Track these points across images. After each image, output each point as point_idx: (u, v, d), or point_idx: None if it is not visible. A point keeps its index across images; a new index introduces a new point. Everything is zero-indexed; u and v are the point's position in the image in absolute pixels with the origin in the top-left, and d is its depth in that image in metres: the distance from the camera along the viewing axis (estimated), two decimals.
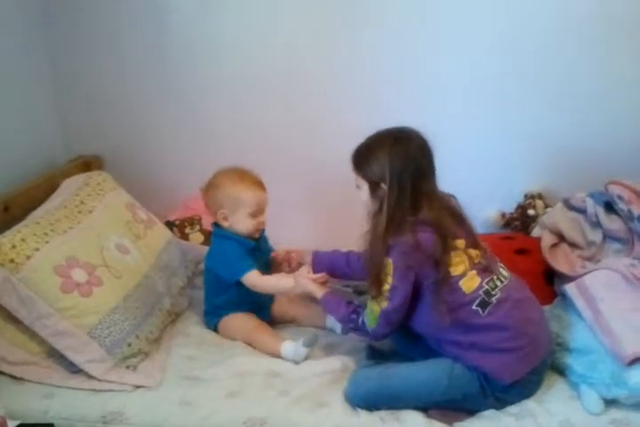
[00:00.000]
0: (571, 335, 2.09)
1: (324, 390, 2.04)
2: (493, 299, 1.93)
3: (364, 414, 1.95)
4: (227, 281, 2.32)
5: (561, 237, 2.61)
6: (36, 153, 2.84)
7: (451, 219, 1.98)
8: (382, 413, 1.96)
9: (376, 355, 2.18)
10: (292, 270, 2.39)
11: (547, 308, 2.23)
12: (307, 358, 2.20)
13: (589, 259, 2.51)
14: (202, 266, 2.56)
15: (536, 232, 2.67)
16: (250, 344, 2.30)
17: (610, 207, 2.53)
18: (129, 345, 2.12)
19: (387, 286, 1.94)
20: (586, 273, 2.26)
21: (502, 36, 2.65)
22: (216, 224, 2.40)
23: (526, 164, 2.79)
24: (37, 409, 1.97)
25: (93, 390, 2.04)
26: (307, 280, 2.21)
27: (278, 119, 2.90)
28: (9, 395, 2.01)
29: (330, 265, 2.34)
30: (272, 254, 2.45)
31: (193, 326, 2.42)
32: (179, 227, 2.87)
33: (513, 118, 2.75)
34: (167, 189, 3.03)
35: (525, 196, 2.79)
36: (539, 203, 2.73)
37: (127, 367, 2.11)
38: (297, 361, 2.18)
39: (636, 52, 2.58)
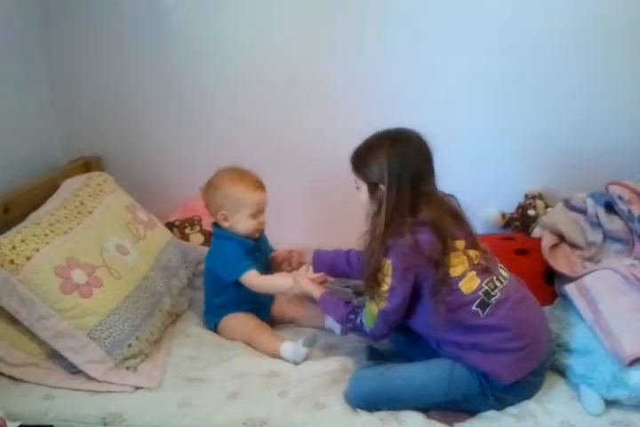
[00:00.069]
0: (571, 336, 2.09)
1: (323, 391, 2.04)
2: (493, 300, 1.93)
3: (364, 415, 1.95)
4: (226, 281, 2.32)
5: (561, 238, 2.61)
6: (36, 154, 2.85)
7: (450, 219, 1.98)
8: (382, 413, 1.95)
9: (376, 355, 2.18)
10: (292, 270, 2.40)
11: (547, 308, 2.22)
12: (306, 358, 2.20)
13: (590, 259, 2.51)
14: (202, 267, 2.57)
15: (536, 232, 2.67)
16: (249, 344, 2.30)
17: (610, 208, 2.53)
18: (129, 346, 2.12)
19: (385, 287, 1.94)
20: (586, 274, 2.26)
21: (502, 36, 2.65)
22: (216, 224, 2.41)
23: (526, 164, 2.79)
24: (37, 411, 1.97)
25: (93, 391, 2.04)
26: (305, 280, 2.22)
27: (278, 120, 2.90)
28: (9, 396, 2.01)
29: (331, 264, 2.35)
30: (272, 254, 2.46)
31: (193, 327, 2.42)
32: (179, 228, 2.87)
33: (513, 118, 2.74)
34: (167, 189, 3.03)
35: (526, 196, 2.78)
36: (539, 203, 2.72)
37: (127, 368, 2.10)
38: (297, 362, 2.18)
39: (636, 52, 2.58)
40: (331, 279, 2.45)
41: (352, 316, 2.07)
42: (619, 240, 2.51)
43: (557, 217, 2.62)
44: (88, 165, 2.95)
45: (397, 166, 1.93)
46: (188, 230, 2.88)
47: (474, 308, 1.92)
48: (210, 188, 2.36)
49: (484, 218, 2.80)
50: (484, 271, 1.97)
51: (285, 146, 2.92)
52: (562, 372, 2.06)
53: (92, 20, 2.85)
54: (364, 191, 2.02)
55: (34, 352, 2.13)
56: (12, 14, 2.71)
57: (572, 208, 2.61)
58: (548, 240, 2.57)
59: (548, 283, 2.47)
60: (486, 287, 1.94)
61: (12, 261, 2.04)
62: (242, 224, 2.33)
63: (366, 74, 2.77)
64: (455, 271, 1.93)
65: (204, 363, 2.18)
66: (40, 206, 2.43)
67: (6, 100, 2.66)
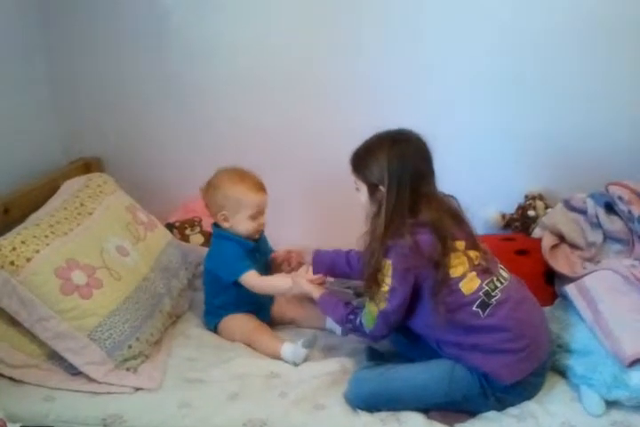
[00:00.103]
0: (571, 337, 2.09)
1: (323, 392, 2.04)
2: (493, 300, 1.93)
3: (364, 416, 1.95)
4: (225, 281, 2.32)
5: (561, 238, 2.61)
6: (36, 155, 2.85)
7: (450, 220, 1.98)
8: (383, 414, 1.96)
9: (376, 356, 2.18)
10: (292, 270, 2.41)
11: (547, 309, 2.22)
12: (306, 359, 2.20)
13: (590, 260, 2.51)
14: (202, 267, 2.56)
15: (536, 233, 2.66)
16: (249, 345, 2.30)
17: (610, 208, 2.53)
18: (129, 347, 2.12)
19: (385, 288, 1.94)
20: (586, 274, 2.26)
21: (502, 36, 2.64)
22: (216, 225, 2.41)
23: (526, 164, 2.79)
24: (38, 412, 1.97)
25: (94, 392, 2.04)
26: (304, 281, 2.22)
27: (277, 120, 2.89)
28: (9, 398, 2.01)
29: (330, 264, 2.35)
30: (272, 255, 2.46)
31: (193, 328, 2.42)
32: (179, 228, 2.87)
33: (513, 118, 2.74)
34: (167, 190, 3.03)
35: (526, 196, 2.78)
36: (539, 204, 2.72)
37: (127, 370, 2.10)
38: (296, 363, 2.18)
39: (636, 52, 2.58)
40: (331, 280, 2.45)
41: (352, 316, 2.07)
42: (619, 241, 2.51)
43: (557, 218, 2.61)
44: (88, 166, 2.95)
45: (397, 167, 1.93)
46: (188, 231, 2.88)
47: (474, 308, 1.92)
48: (210, 188, 2.36)
49: (485, 219, 2.79)
50: (485, 272, 1.97)
51: (285, 146, 2.92)
52: (562, 372, 2.06)
53: (92, 20, 2.85)
54: (363, 192, 2.02)
55: (34, 354, 2.13)
56: (12, 14, 2.71)
57: (572, 209, 2.61)
58: (548, 241, 2.57)
59: (549, 283, 2.47)
60: (487, 288, 1.94)
61: (12, 263, 2.04)
62: (242, 225, 2.33)
63: (366, 74, 2.77)
64: (455, 272, 1.93)
65: (205, 364, 2.18)
66: (40, 207, 2.42)
67: (6, 100, 2.66)
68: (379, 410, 1.97)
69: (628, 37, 2.57)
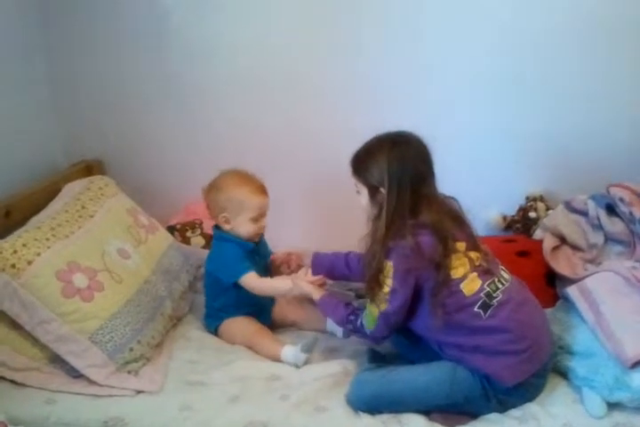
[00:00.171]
0: (573, 338, 2.09)
1: (325, 394, 2.04)
2: (494, 301, 1.93)
3: (366, 418, 1.95)
4: (225, 283, 2.32)
5: (562, 240, 2.61)
6: (37, 157, 2.85)
7: (451, 221, 1.98)
8: (384, 416, 1.95)
9: (378, 358, 2.18)
10: (291, 272, 2.40)
11: (549, 310, 2.22)
12: (307, 361, 2.20)
13: (591, 261, 2.50)
14: (203, 270, 2.56)
15: (538, 235, 2.66)
16: (250, 348, 2.30)
17: (611, 210, 2.52)
18: (130, 350, 2.12)
19: (386, 289, 1.94)
20: (587, 276, 2.26)
21: (502, 36, 2.63)
22: (216, 226, 2.41)
23: (527, 165, 2.78)
24: (39, 415, 1.97)
25: (95, 395, 2.04)
26: (304, 282, 2.22)
27: (277, 120, 2.89)
28: (11, 401, 2.01)
29: (330, 266, 2.35)
30: (271, 257, 2.46)
31: (194, 331, 2.42)
32: (180, 231, 2.87)
33: (513, 119, 2.73)
34: (168, 193, 3.03)
35: (527, 198, 2.77)
36: (540, 205, 2.72)
37: (129, 372, 2.10)
38: (298, 365, 2.18)
39: (636, 52, 2.57)
40: (330, 282, 2.45)
41: (352, 317, 2.07)
42: (620, 242, 2.50)
43: (558, 219, 2.61)
44: (89, 168, 2.95)
45: (397, 169, 1.94)
46: (189, 234, 2.87)
47: (476, 309, 1.92)
48: (213, 189, 2.36)
49: (485, 220, 2.79)
50: (486, 273, 1.97)
51: (284, 147, 2.91)
52: (564, 374, 2.06)
53: (92, 20, 2.85)
54: (364, 195, 2.02)
55: (36, 357, 2.13)
56: (12, 14, 2.71)
57: (574, 210, 2.60)
58: (549, 242, 2.56)
59: (550, 285, 2.47)
60: (488, 289, 1.94)
61: (13, 266, 2.04)
62: (243, 227, 2.33)
63: (366, 74, 2.76)
64: (456, 273, 1.93)
65: (206, 367, 2.18)
66: (41, 210, 2.43)
67: (6, 101, 2.66)
68: (380, 412, 1.97)
69: (628, 37, 2.56)
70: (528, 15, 2.59)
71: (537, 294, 2.09)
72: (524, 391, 1.95)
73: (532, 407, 1.94)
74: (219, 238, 2.40)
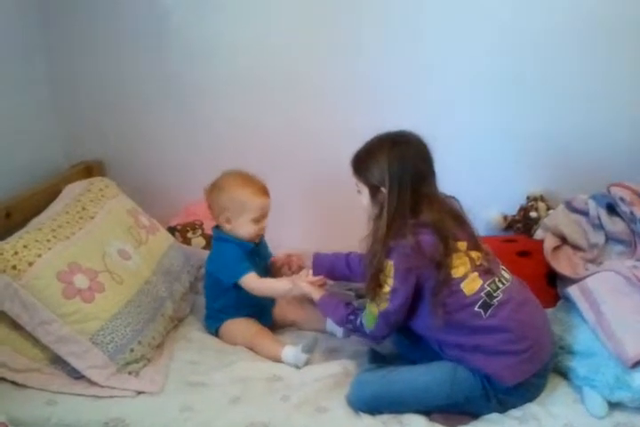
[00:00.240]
0: (574, 338, 2.09)
1: (326, 395, 2.03)
2: (495, 301, 1.93)
3: (366, 419, 1.94)
4: (226, 284, 2.32)
5: (563, 240, 2.61)
6: (37, 159, 2.85)
7: (452, 221, 1.98)
8: (385, 417, 1.95)
9: (378, 359, 2.18)
10: (292, 274, 2.40)
11: (549, 310, 2.22)
12: (308, 362, 2.20)
13: (592, 261, 2.50)
14: (203, 270, 2.56)
15: (538, 234, 2.66)
16: (251, 349, 2.29)
17: (612, 209, 2.53)
18: (131, 351, 2.12)
19: (387, 288, 1.94)
20: (588, 275, 2.26)
21: (502, 36, 2.64)
22: (217, 227, 2.41)
23: (527, 164, 2.78)
24: (40, 416, 1.97)
25: (96, 396, 2.03)
26: (304, 283, 2.23)
27: (277, 120, 2.89)
28: (12, 402, 2.00)
29: (330, 267, 2.35)
30: (272, 259, 2.46)
31: (195, 332, 2.41)
32: (181, 232, 2.87)
33: (513, 119, 2.73)
34: (168, 193, 3.03)
35: (527, 198, 2.78)
36: (541, 205, 2.72)
37: (129, 373, 2.10)
38: (298, 366, 2.18)
39: (636, 52, 2.57)
40: (330, 282, 2.45)
41: (352, 317, 2.07)
42: (621, 242, 2.51)
43: (559, 219, 2.61)
44: (90, 169, 2.95)
45: (398, 169, 1.94)
46: (189, 234, 2.87)
47: (476, 309, 1.92)
48: (215, 189, 2.36)
49: (486, 220, 2.79)
50: (486, 272, 1.97)
51: (284, 147, 2.91)
52: (565, 374, 2.06)
53: (92, 20, 2.85)
54: (365, 195, 2.03)
55: (36, 358, 2.13)
56: (12, 14, 2.71)
57: (574, 210, 2.60)
58: (550, 242, 2.57)
59: (551, 285, 2.47)
60: (488, 288, 1.94)
61: (14, 267, 2.04)
62: (243, 228, 2.33)
63: (366, 74, 2.76)
64: (457, 272, 1.93)
65: (206, 367, 2.18)
66: (42, 212, 2.43)
67: (6, 101, 2.65)
68: (381, 413, 1.96)
69: (628, 37, 2.56)
70: (528, 15, 2.60)
71: (538, 294, 2.09)
72: (524, 391, 1.95)
73: (532, 407, 1.94)
74: (218, 239, 2.40)
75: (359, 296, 2.46)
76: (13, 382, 2.07)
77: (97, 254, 2.25)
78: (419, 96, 2.76)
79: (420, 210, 1.95)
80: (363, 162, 2.01)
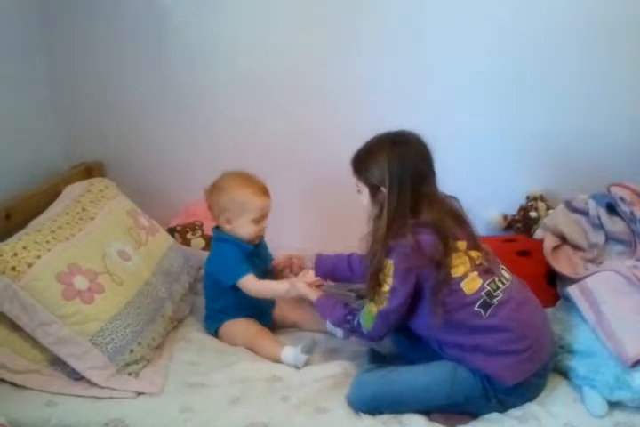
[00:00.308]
0: (573, 338, 2.09)
1: (326, 395, 2.03)
2: (495, 300, 1.93)
3: (366, 419, 1.94)
4: (225, 285, 2.31)
5: (563, 239, 2.61)
6: (37, 160, 2.85)
7: (452, 221, 1.98)
8: (385, 417, 1.95)
9: (378, 359, 2.18)
10: (294, 276, 2.39)
11: (549, 310, 2.22)
12: (307, 363, 2.20)
13: (592, 261, 2.50)
14: (203, 271, 2.55)
15: (538, 234, 2.66)
16: (251, 350, 2.29)
17: (612, 209, 2.52)
18: (131, 352, 2.12)
19: (386, 288, 1.94)
20: (588, 275, 2.26)
21: (502, 36, 2.64)
22: (216, 227, 2.41)
23: (527, 164, 2.78)
24: (40, 417, 1.96)
25: (95, 397, 2.03)
26: (301, 284, 2.22)
27: (276, 121, 2.89)
28: (11, 403, 2.00)
29: (332, 268, 2.35)
30: (273, 262, 2.45)
31: (194, 333, 2.41)
32: (180, 233, 2.87)
33: (513, 119, 2.73)
34: (168, 194, 3.03)
35: (527, 198, 2.78)
36: (541, 205, 2.72)
37: (129, 374, 2.10)
38: (298, 366, 2.18)
39: (636, 52, 2.57)
40: (331, 283, 2.45)
41: (349, 317, 2.07)
42: (621, 242, 2.51)
43: (559, 219, 2.61)
44: (90, 170, 2.95)
45: (398, 169, 1.94)
46: (189, 235, 2.87)
47: (476, 308, 1.92)
48: (215, 190, 2.36)
49: (486, 220, 2.79)
50: (486, 272, 1.97)
51: (284, 147, 2.92)
52: (565, 374, 2.06)
53: (92, 20, 2.85)
54: (365, 195, 2.03)
55: (36, 359, 2.12)
56: (12, 14, 2.71)
57: (574, 210, 2.60)
58: (549, 242, 2.57)
59: (551, 285, 2.47)
60: (488, 288, 1.94)
61: (13, 268, 2.04)
62: (243, 229, 2.32)
63: (366, 74, 2.76)
64: (457, 272, 1.93)
65: (206, 368, 2.18)
66: (42, 213, 2.43)
67: (6, 101, 2.65)
68: (381, 413, 1.96)
69: (628, 37, 2.56)
70: (528, 15, 2.60)
71: (537, 294, 2.09)
72: (524, 391, 1.95)
73: (532, 407, 1.94)
74: (218, 240, 2.40)
75: (360, 297, 2.46)
76: (13, 384, 2.07)
77: (97, 255, 2.25)
78: (419, 96, 2.76)
79: (420, 210, 1.95)
80: (363, 162, 2.01)
